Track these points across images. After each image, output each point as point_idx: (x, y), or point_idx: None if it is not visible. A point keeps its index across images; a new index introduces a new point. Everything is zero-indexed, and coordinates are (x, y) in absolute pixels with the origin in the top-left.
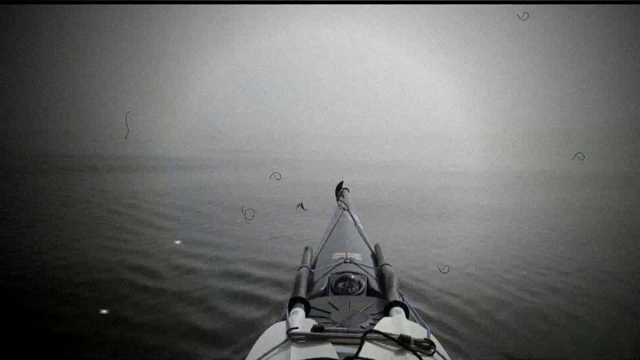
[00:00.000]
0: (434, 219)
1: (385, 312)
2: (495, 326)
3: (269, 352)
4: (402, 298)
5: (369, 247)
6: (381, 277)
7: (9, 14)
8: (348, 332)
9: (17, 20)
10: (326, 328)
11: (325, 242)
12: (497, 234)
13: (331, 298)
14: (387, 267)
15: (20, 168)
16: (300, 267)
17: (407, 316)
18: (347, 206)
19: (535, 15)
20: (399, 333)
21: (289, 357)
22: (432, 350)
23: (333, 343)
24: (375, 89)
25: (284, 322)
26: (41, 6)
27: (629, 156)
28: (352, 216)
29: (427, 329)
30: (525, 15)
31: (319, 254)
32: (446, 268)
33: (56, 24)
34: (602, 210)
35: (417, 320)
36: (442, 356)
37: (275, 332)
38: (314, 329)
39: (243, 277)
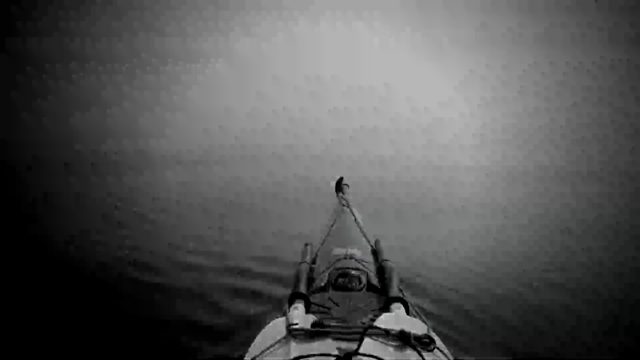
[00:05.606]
0: (433, 214)
1: (385, 308)
2: (495, 322)
3: (269, 347)
4: (402, 294)
5: (369, 242)
6: (381, 272)
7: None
8: (348, 327)
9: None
10: (326, 324)
11: (325, 237)
12: (497, 229)
13: (331, 294)
14: (387, 262)
15: (21, 164)
16: (301, 263)
17: (407, 312)
18: (347, 202)
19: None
20: (399, 329)
21: (289, 352)
22: (432, 346)
23: (333, 339)
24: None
25: (284, 317)
26: None
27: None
28: (352, 212)
29: (427, 324)
30: None
31: (319, 249)
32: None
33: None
34: (602, 205)
35: (417, 316)
36: (442, 352)
37: (276, 328)
38: (314, 324)
39: (243, 272)
